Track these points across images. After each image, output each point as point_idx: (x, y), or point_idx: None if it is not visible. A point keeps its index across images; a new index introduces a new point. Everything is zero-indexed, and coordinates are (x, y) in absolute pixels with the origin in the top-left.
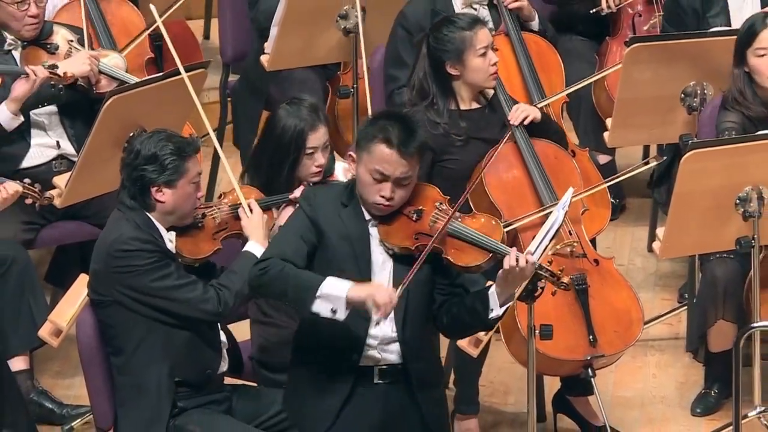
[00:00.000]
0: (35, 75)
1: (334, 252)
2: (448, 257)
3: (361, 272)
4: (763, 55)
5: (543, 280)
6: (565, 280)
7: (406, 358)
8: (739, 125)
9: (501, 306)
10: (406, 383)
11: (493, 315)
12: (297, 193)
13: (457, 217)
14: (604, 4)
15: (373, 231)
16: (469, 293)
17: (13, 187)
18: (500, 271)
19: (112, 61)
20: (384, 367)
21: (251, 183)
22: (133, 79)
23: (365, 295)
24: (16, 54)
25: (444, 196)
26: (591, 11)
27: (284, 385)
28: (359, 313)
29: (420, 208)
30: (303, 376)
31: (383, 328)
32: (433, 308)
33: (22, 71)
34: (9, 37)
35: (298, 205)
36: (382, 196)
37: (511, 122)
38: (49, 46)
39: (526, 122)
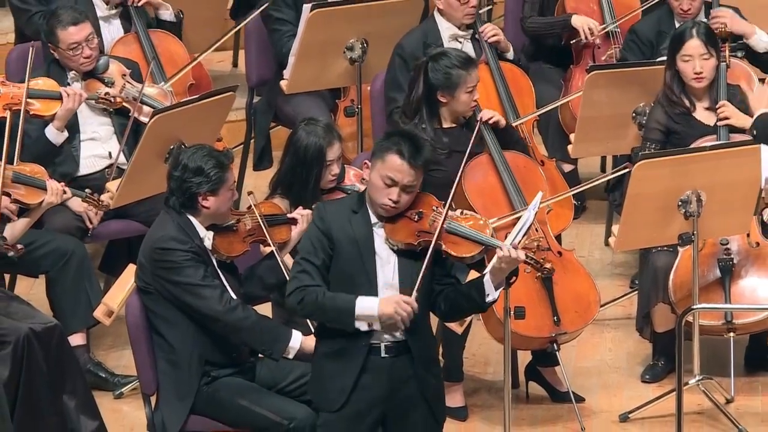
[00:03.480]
0: (68, 94)
1: (344, 255)
2: (447, 250)
3: (366, 269)
4: (687, 61)
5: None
6: (548, 266)
7: (409, 337)
8: (662, 128)
9: (495, 290)
10: (408, 357)
11: (489, 299)
12: (295, 213)
13: (452, 217)
14: (582, 35)
15: (380, 232)
16: (464, 283)
17: (58, 189)
18: (493, 261)
19: (155, 93)
20: (389, 343)
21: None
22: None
23: (392, 312)
24: (77, 86)
25: (439, 201)
26: (571, 41)
27: (302, 358)
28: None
29: (420, 210)
30: (322, 359)
31: None
32: (431, 297)
33: (58, 94)
34: (71, 72)
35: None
36: (390, 199)
37: (480, 119)
38: (106, 80)
39: (491, 122)
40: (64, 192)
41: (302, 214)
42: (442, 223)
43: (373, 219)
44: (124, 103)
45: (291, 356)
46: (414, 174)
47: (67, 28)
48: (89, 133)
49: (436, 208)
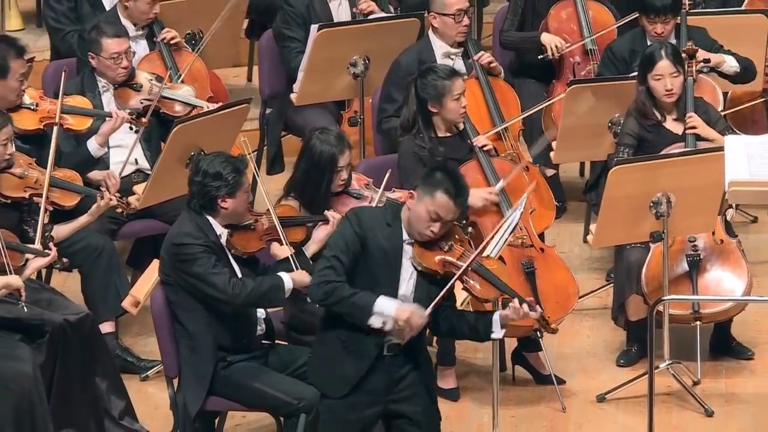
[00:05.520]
0: (117, 116)
1: (373, 261)
2: (468, 288)
3: (391, 280)
4: (659, 79)
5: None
6: (553, 326)
7: (413, 337)
8: (635, 136)
9: (501, 329)
10: (405, 354)
11: (494, 336)
12: (328, 215)
13: (480, 258)
14: (548, 51)
15: (408, 248)
16: (471, 313)
17: (110, 198)
18: (509, 310)
19: (185, 92)
20: (390, 344)
21: (297, 200)
22: (198, 101)
23: (406, 317)
24: (108, 95)
25: (465, 236)
26: (539, 56)
27: (310, 344)
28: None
29: (451, 243)
30: (332, 341)
31: None
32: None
33: (107, 114)
34: (102, 81)
35: (346, 219)
36: (432, 231)
37: (474, 143)
38: (135, 85)
39: (485, 149)
40: (111, 199)
41: (334, 216)
42: (471, 262)
43: (405, 236)
44: (151, 106)
45: (288, 296)
46: (457, 211)
47: (112, 38)
48: (116, 140)
49: (463, 242)
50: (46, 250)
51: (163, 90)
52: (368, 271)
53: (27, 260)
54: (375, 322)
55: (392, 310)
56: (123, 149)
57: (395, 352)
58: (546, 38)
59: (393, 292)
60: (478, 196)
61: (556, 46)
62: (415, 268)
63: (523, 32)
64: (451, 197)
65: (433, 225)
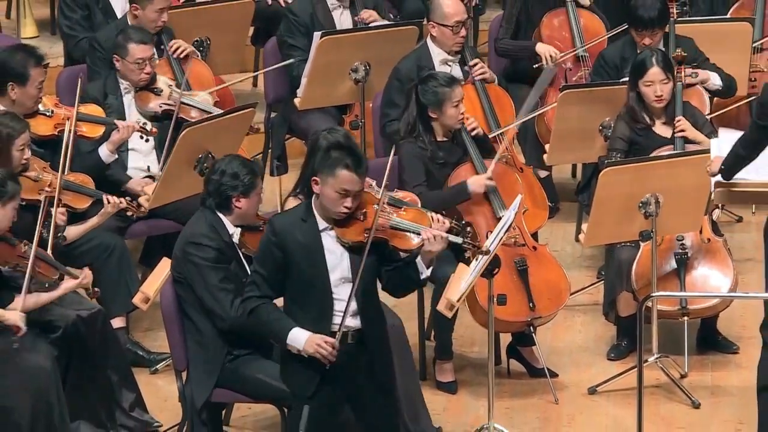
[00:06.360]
0: (123, 126)
1: (298, 260)
2: (394, 244)
3: (319, 270)
4: (649, 86)
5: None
6: (485, 248)
7: (364, 323)
8: (626, 139)
9: (427, 268)
10: (365, 346)
11: (423, 276)
12: None
13: (397, 213)
14: (543, 60)
15: (331, 233)
16: (402, 265)
17: (117, 202)
18: (425, 245)
19: (202, 99)
20: (353, 331)
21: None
22: (215, 109)
23: (312, 352)
24: (128, 97)
25: (378, 198)
26: (534, 66)
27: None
28: (324, 297)
29: (364, 211)
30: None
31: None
32: (380, 280)
33: (114, 125)
34: (124, 83)
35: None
36: (346, 207)
37: (466, 126)
38: (155, 90)
39: (473, 133)
40: (120, 202)
41: None
42: (374, 219)
43: (322, 225)
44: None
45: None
46: (361, 182)
47: (138, 44)
48: (132, 144)
49: (377, 205)
50: (78, 271)
51: (183, 96)
52: (297, 271)
53: (61, 276)
54: (292, 349)
55: (302, 344)
56: (138, 154)
57: (355, 341)
58: (541, 48)
59: (324, 282)
60: (479, 183)
61: (551, 56)
62: (344, 247)
63: (518, 41)
64: (351, 170)
65: (345, 201)
